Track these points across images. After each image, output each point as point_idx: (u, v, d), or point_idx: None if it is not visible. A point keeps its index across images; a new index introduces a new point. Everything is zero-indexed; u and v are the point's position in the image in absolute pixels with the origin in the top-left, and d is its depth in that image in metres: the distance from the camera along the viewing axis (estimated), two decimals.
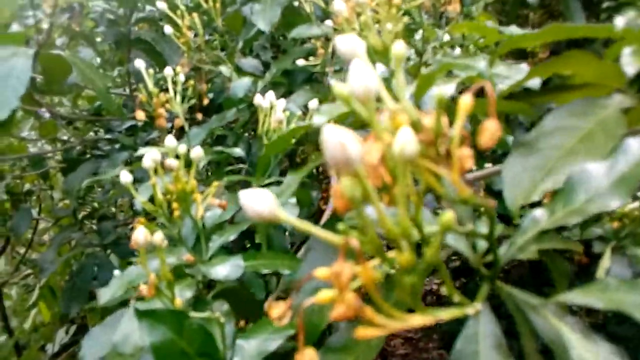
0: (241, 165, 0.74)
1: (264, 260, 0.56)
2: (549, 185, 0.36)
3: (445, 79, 0.46)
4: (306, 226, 0.23)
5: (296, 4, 1.03)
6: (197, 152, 0.55)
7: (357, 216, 0.21)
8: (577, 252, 0.39)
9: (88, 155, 1.11)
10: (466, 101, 0.24)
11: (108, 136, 1.08)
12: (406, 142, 0.21)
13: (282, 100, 0.73)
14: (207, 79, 0.94)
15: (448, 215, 0.21)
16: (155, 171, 0.52)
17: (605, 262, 1.05)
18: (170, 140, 0.55)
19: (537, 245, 0.37)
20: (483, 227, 0.36)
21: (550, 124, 0.40)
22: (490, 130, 0.24)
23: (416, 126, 0.25)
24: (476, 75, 0.49)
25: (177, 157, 0.54)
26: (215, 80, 1.02)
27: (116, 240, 1.11)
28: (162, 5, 0.79)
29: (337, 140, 0.19)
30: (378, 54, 0.42)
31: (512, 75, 0.51)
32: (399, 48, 0.26)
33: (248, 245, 0.85)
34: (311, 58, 0.89)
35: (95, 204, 1.22)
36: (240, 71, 1.06)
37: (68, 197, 1.06)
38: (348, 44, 0.27)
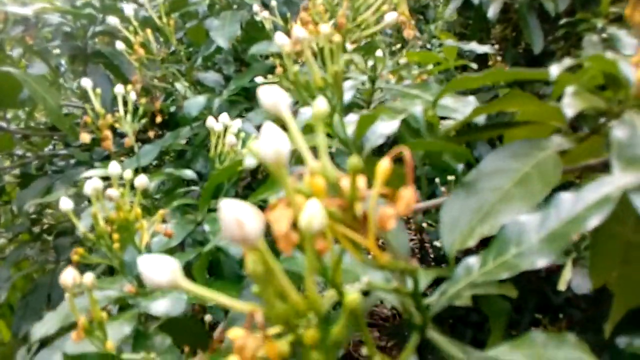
0: (193, 188, 0.72)
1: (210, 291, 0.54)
2: (485, 230, 0.36)
3: (390, 115, 0.45)
4: (213, 295, 0.22)
5: (258, 18, 1.02)
6: (142, 181, 0.53)
7: (262, 291, 0.21)
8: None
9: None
10: (384, 166, 0.24)
11: (63, 151, 1.05)
12: (313, 216, 0.20)
13: (238, 120, 0.72)
14: (163, 94, 0.92)
15: (352, 297, 0.20)
16: (98, 198, 0.51)
17: (567, 274, 1.06)
18: (113, 167, 0.53)
19: (471, 292, 0.36)
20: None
21: (490, 165, 0.40)
22: (406, 199, 0.23)
23: (334, 188, 0.24)
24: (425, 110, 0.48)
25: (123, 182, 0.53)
26: (175, 93, 1.00)
27: None
28: (115, 21, 0.77)
29: (233, 217, 0.18)
30: (320, 89, 0.41)
31: (459, 107, 0.51)
32: (320, 105, 0.25)
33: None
34: (270, 76, 0.88)
35: (53, 219, 1.19)
36: (201, 85, 1.04)
37: (20, 215, 1.03)
38: (271, 96, 0.26)
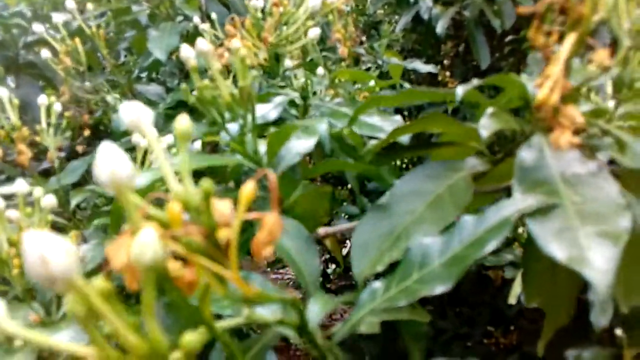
0: None
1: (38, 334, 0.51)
2: (394, 254, 0.35)
3: (307, 132, 0.44)
4: (39, 338, 0.19)
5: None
6: (49, 201, 0.50)
7: (87, 331, 0.18)
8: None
9: None
10: (247, 190, 0.22)
11: None
12: (144, 247, 0.18)
13: (169, 136, 0.69)
14: (98, 106, 0.89)
15: (188, 338, 0.18)
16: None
17: (517, 287, 1.07)
18: (20, 185, 0.50)
19: (380, 318, 0.35)
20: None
21: (405, 186, 0.39)
22: (269, 227, 0.21)
23: (198, 215, 0.22)
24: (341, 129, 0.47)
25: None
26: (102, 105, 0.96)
27: None
28: (40, 29, 0.73)
29: (37, 254, 0.16)
30: (228, 106, 0.39)
31: (386, 126, 0.50)
32: (183, 124, 0.23)
33: None
34: None
35: None
36: (145, 98, 1.01)
37: None
38: (132, 112, 0.23)
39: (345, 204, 1.09)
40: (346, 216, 1.11)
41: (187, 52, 0.39)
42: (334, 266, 1.46)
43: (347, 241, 1.53)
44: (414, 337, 0.41)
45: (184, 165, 0.22)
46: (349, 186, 1.16)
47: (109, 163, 0.18)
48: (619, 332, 0.75)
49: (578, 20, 0.31)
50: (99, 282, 0.19)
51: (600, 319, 0.78)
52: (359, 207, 0.95)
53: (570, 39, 0.30)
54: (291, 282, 2.02)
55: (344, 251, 1.49)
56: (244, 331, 0.65)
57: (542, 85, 0.31)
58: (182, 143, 0.22)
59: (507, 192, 0.46)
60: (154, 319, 0.19)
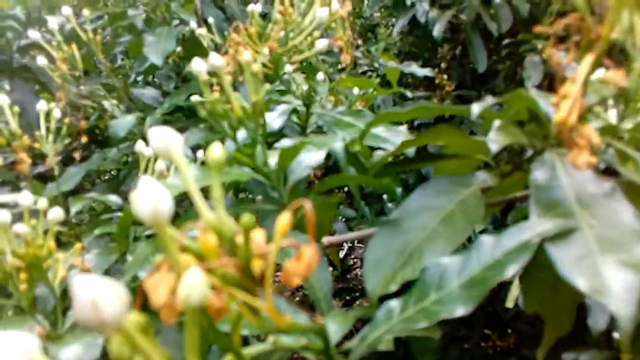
0: (119, 214, 0.68)
1: None
2: (408, 273, 0.35)
3: (316, 145, 0.44)
4: None
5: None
6: (56, 213, 0.49)
7: None
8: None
9: None
10: (283, 221, 0.22)
11: None
12: (192, 287, 0.18)
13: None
14: (93, 112, 0.88)
15: None
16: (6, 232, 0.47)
17: (514, 290, 1.08)
18: (24, 197, 0.49)
19: (393, 334, 0.35)
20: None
21: (416, 202, 0.39)
22: (307, 259, 0.21)
23: (231, 245, 0.22)
24: (350, 142, 0.47)
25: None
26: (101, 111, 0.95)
27: None
28: (36, 35, 0.72)
29: (87, 297, 0.16)
30: (239, 120, 0.39)
31: (390, 137, 0.50)
32: (216, 152, 0.23)
33: None
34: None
35: None
36: (138, 102, 1.00)
37: None
38: (162, 138, 0.23)
39: (342, 206, 1.10)
40: (343, 219, 1.12)
41: (198, 66, 0.38)
42: (330, 269, 1.46)
43: (344, 244, 1.54)
44: (424, 351, 0.41)
45: (217, 194, 0.22)
46: (346, 189, 1.17)
47: (150, 198, 0.18)
48: (616, 335, 0.76)
49: (594, 40, 0.32)
50: (136, 316, 0.19)
51: (597, 322, 0.79)
52: (358, 211, 0.95)
53: (588, 59, 0.31)
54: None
55: (341, 254, 1.50)
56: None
57: (560, 105, 0.31)
58: (216, 172, 0.22)
59: (511, 203, 0.46)
60: (198, 358, 0.19)
